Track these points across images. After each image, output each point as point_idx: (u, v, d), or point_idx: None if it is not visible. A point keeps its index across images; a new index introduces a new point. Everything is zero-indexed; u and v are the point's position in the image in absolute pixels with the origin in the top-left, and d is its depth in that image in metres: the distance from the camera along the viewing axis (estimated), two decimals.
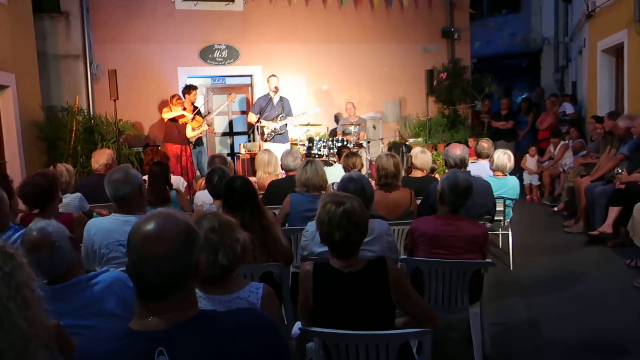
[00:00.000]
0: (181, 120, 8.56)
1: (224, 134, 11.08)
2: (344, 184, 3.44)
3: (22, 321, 1.26)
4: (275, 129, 8.44)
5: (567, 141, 9.00)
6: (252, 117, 8.61)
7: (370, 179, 3.88)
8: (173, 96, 8.68)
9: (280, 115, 8.47)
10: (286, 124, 8.57)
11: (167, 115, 8.57)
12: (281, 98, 8.64)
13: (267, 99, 8.55)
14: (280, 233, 3.41)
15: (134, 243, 1.48)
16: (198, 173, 8.89)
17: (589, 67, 10.00)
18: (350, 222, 2.42)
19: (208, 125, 8.89)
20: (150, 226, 1.48)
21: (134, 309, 1.52)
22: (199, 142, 8.92)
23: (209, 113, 9.25)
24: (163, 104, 9.35)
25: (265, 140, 8.51)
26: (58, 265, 2.23)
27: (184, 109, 8.62)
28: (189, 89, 8.77)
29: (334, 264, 2.48)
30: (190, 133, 8.60)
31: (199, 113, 8.89)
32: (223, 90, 10.96)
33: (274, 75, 8.64)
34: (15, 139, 7.39)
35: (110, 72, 8.09)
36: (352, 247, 2.45)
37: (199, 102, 9.46)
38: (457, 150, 4.82)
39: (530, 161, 9.25)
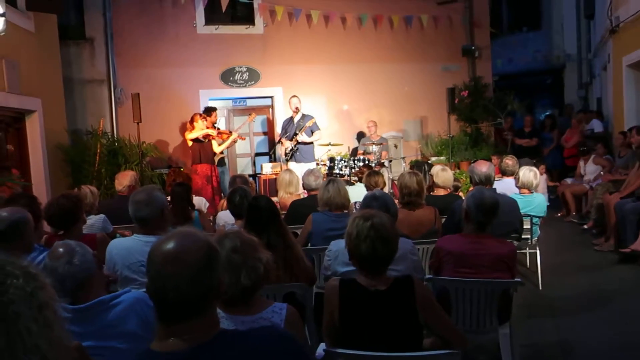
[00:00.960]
0: (206, 138, 8.54)
1: (244, 154, 11.13)
2: (367, 202, 3.40)
3: (43, 342, 1.24)
4: (291, 147, 8.45)
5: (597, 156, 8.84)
6: (280, 138, 8.65)
7: (393, 198, 3.83)
8: (195, 115, 8.71)
9: (296, 134, 8.48)
10: (311, 143, 8.55)
11: (190, 135, 8.56)
12: (303, 116, 8.69)
13: (289, 119, 8.61)
14: (302, 253, 3.38)
15: (154, 262, 1.46)
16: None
17: (614, 83, 9.85)
18: (378, 236, 2.39)
19: (235, 140, 8.85)
20: (170, 245, 1.47)
21: (155, 330, 1.50)
22: (221, 162, 8.95)
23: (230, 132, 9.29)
24: (185, 126, 9.46)
25: (287, 161, 8.52)
26: (78, 271, 2.23)
27: (207, 127, 8.65)
28: (209, 111, 8.83)
29: (360, 281, 2.45)
30: (217, 148, 8.63)
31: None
32: (244, 112, 11.06)
33: (294, 96, 8.70)
34: (41, 162, 7.52)
35: (133, 95, 8.23)
36: (379, 263, 2.42)
37: (221, 124, 9.54)
38: (483, 168, 4.75)
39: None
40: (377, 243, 2.38)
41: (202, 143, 8.51)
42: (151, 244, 1.65)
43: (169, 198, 4.65)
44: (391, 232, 2.43)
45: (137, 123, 8.13)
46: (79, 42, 9.29)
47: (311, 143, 8.67)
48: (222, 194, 8.79)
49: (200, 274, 1.44)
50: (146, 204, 3.17)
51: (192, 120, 8.67)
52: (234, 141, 8.88)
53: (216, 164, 8.75)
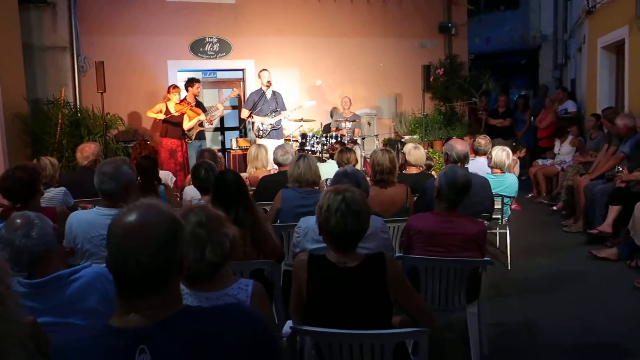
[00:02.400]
0: (177, 109, 8.41)
1: (215, 130, 11.03)
2: (339, 178, 3.40)
3: None
4: (272, 124, 8.38)
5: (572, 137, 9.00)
6: (245, 113, 8.54)
7: (365, 175, 3.84)
8: (171, 87, 8.56)
9: (275, 111, 8.40)
10: (280, 120, 8.49)
11: (151, 115, 8.47)
12: (274, 93, 8.59)
13: (260, 93, 8.49)
14: (271, 229, 3.38)
15: (114, 235, 1.43)
16: None
17: (588, 65, 10.00)
18: (349, 210, 2.39)
19: (208, 118, 8.71)
20: (131, 217, 1.43)
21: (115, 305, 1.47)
22: (200, 135, 8.80)
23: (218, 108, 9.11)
24: (152, 98, 9.26)
25: (260, 137, 8.45)
26: (36, 244, 2.18)
27: (181, 101, 8.51)
28: (191, 82, 8.70)
29: (330, 257, 2.45)
30: (186, 124, 8.51)
31: (200, 105, 8.79)
32: (214, 84, 10.90)
33: (265, 70, 8.59)
34: None
35: (97, 64, 8.01)
36: (349, 238, 2.42)
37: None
38: (459, 146, 4.79)
39: None
40: (347, 217, 2.38)
41: (172, 115, 8.42)
42: (111, 216, 1.62)
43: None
44: (363, 207, 2.43)
45: (101, 93, 7.93)
46: (40, 5, 8.95)
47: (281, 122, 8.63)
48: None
49: (162, 248, 1.42)
50: (112, 177, 3.12)
51: (168, 91, 8.54)
52: (199, 122, 8.69)
53: (194, 137, 8.60)
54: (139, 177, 4.46)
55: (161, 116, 8.41)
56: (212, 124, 8.67)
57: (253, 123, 8.49)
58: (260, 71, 8.60)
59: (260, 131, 8.42)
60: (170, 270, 1.44)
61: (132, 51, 9.58)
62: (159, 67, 9.77)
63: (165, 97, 8.61)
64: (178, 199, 5.23)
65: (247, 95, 9.10)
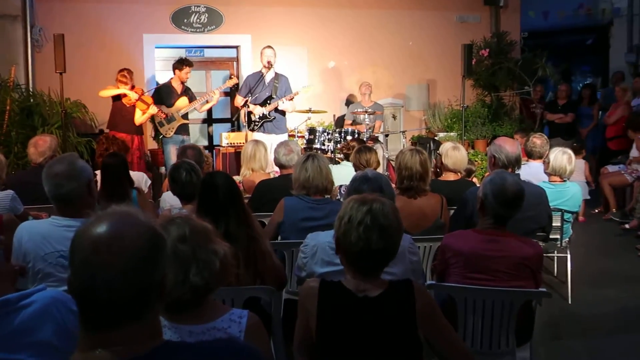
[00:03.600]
0: (126, 101, 8.49)
1: (202, 122, 11.05)
2: (356, 184, 3.40)
3: None
4: (263, 114, 8.40)
5: None
6: (239, 100, 8.58)
7: (389, 181, 3.84)
8: (120, 71, 8.61)
9: (270, 99, 8.42)
10: (282, 110, 8.49)
11: (105, 92, 8.55)
12: (277, 75, 8.62)
13: (258, 76, 8.51)
14: (270, 247, 3.39)
15: (80, 251, 1.44)
16: (163, 169, 8.91)
17: None
18: (375, 224, 2.40)
19: (161, 110, 8.72)
20: (101, 229, 1.44)
21: (76, 339, 1.47)
22: (183, 129, 8.83)
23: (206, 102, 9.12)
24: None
25: (252, 130, 8.49)
26: None
27: (132, 87, 8.57)
28: (182, 64, 8.77)
29: (347, 283, 2.45)
30: (138, 118, 8.57)
31: (187, 92, 8.86)
32: (201, 65, 10.93)
33: (269, 47, 8.59)
34: None
35: (56, 37, 8.06)
36: (373, 259, 2.43)
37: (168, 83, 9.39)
38: (509, 146, 4.77)
39: None
40: (372, 233, 2.38)
41: (123, 105, 8.52)
42: (75, 229, 1.62)
43: (98, 173, 4.59)
44: (393, 222, 2.44)
45: (60, 74, 7.98)
46: None
47: (284, 113, 8.65)
48: (166, 171, 8.72)
49: (139, 267, 1.42)
50: (68, 177, 3.12)
51: (118, 75, 8.59)
52: (152, 115, 8.64)
53: (173, 131, 8.62)
54: (105, 179, 4.48)
55: (118, 91, 8.46)
56: (163, 116, 8.67)
57: (249, 113, 8.52)
58: (263, 48, 8.60)
59: (252, 124, 8.47)
60: (148, 295, 1.44)
61: (100, 22, 9.67)
62: (133, 42, 9.84)
63: (117, 82, 8.64)
64: (153, 207, 5.26)
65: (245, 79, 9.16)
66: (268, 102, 8.47)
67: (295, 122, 9.38)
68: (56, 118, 8.41)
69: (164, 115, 8.63)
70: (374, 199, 2.49)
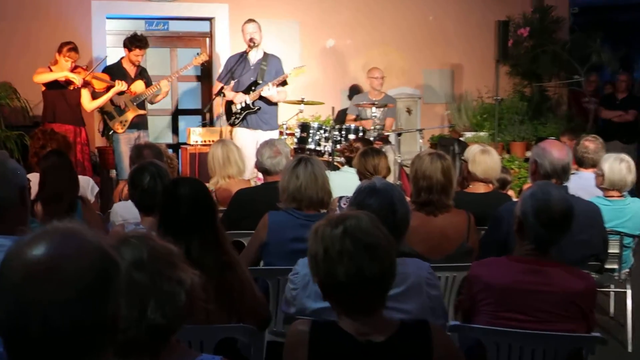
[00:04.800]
0: (69, 84, 8.43)
1: (159, 110, 10.98)
2: (361, 197, 3.38)
3: None
4: (246, 104, 8.40)
5: None
6: (217, 87, 8.61)
7: (403, 194, 3.84)
8: (64, 45, 8.57)
9: (255, 85, 8.42)
10: (268, 97, 8.46)
11: (41, 77, 8.47)
12: (265, 56, 8.65)
13: (241, 57, 8.53)
14: (250, 275, 3.39)
15: (10, 278, 1.43)
16: (114, 172, 8.89)
17: None
18: (359, 246, 2.38)
19: (129, 89, 8.65)
20: (38, 251, 1.44)
21: None
22: (140, 123, 8.80)
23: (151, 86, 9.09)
24: None
25: (233, 125, 8.49)
26: None
27: (75, 68, 8.53)
28: (132, 43, 8.72)
29: (345, 326, 2.43)
30: (89, 103, 8.52)
31: (143, 75, 8.87)
32: (165, 41, 10.94)
33: (250, 21, 8.60)
34: None
35: None
36: (372, 291, 2.41)
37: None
38: (556, 151, 4.74)
39: None
40: (360, 258, 2.37)
41: (63, 89, 8.49)
42: (2, 249, 1.62)
43: (31, 176, 4.58)
44: (380, 237, 2.43)
45: None
46: None
47: (275, 104, 8.66)
48: (117, 175, 8.70)
49: (85, 300, 1.42)
50: None
51: (59, 51, 8.55)
52: (119, 93, 8.61)
53: (127, 126, 8.61)
54: (45, 185, 4.48)
55: (57, 75, 8.42)
56: (132, 94, 8.62)
57: (229, 103, 8.52)
58: (245, 23, 8.62)
59: (233, 116, 8.47)
60: (94, 336, 1.44)
61: None
62: (79, 11, 9.83)
63: (52, 62, 8.62)
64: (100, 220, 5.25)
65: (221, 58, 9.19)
66: (253, 88, 8.47)
67: (284, 116, 9.35)
68: None
69: (133, 94, 8.61)
70: (344, 217, 2.48)
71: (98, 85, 8.54)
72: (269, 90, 8.40)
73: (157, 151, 5.57)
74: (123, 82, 8.51)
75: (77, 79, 8.45)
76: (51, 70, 8.52)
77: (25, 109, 9.18)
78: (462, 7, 11.15)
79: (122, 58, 8.87)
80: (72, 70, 8.55)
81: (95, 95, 8.64)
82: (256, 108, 8.46)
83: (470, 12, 11.12)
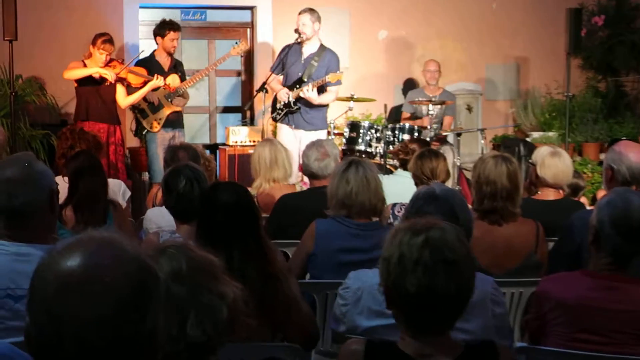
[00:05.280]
0: (104, 74, 8.42)
1: (196, 108, 11.02)
2: (419, 205, 3.37)
3: None
4: (288, 102, 8.41)
5: None
6: (270, 78, 8.62)
7: (464, 200, 3.82)
8: (98, 37, 8.62)
9: (300, 82, 8.43)
10: (309, 100, 8.47)
11: (72, 74, 8.55)
12: (320, 50, 8.65)
13: (294, 48, 8.61)
14: (296, 289, 3.39)
15: (42, 291, 1.45)
16: (147, 175, 8.99)
17: None
18: (439, 260, 2.36)
19: (166, 83, 8.71)
20: (73, 262, 1.45)
21: None
22: (176, 122, 8.88)
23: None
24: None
25: (275, 120, 8.54)
26: None
27: (110, 61, 8.57)
28: (164, 28, 8.84)
29: (404, 347, 2.42)
30: (124, 100, 8.59)
31: (177, 68, 8.95)
32: (201, 32, 10.99)
33: (304, 11, 8.62)
34: None
35: None
36: (442, 312, 2.40)
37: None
38: (634, 154, 4.69)
39: None
40: (436, 274, 2.34)
41: (97, 86, 8.54)
42: (30, 258, 1.64)
43: (59, 179, 4.63)
44: (462, 254, 2.40)
45: (10, 42, 8.10)
46: None
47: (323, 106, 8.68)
48: (150, 179, 8.78)
49: (123, 315, 1.43)
50: (23, 184, 3.14)
51: (93, 44, 8.59)
52: (155, 88, 8.68)
53: (161, 124, 8.67)
54: (75, 190, 4.53)
55: (90, 72, 8.47)
56: (172, 89, 8.66)
57: (275, 96, 8.58)
58: (301, 12, 8.64)
59: (276, 112, 8.57)
60: (132, 352, 1.46)
61: None
62: (110, 1, 9.93)
63: (86, 54, 8.70)
64: (132, 228, 5.29)
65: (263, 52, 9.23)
66: (297, 86, 8.51)
67: (331, 114, 9.31)
68: (2, 102, 8.52)
69: (172, 89, 8.68)
70: (429, 225, 2.46)
71: (134, 81, 8.63)
72: (308, 92, 8.38)
73: (193, 153, 5.59)
74: (160, 77, 8.60)
75: (110, 75, 8.50)
76: (85, 65, 8.59)
77: (52, 106, 9.30)
78: None
79: (154, 51, 8.97)
80: (107, 63, 8.60)
81: (130, 91, 8.73)
82: (296, 108, 8.48)
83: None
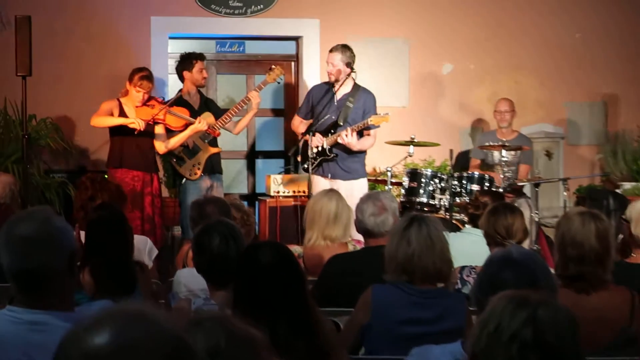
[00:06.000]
0: (142, 117, 8.43)
1: (232, 152, 11.06)
2: (493, 270, 3.35)
3: None
4: (322, 149, 8.43)
5: None
6: (296, 123, 8.68)
7: (546, 264, 3.79)
8: (135, 73, 8.65)
9: (336, 126, 8.46)
10: (347, 145, 8.51)
11: (99, 122, 8.58)
12: (354, 89, 8.71)
13: (325, 88, 8.65)
14: None
15: None
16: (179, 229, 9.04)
17: None
18: (539, 343, 2.32)
19: (213, 128, 8.79)
20: (101, 339, 1.46)
21: None
22: (215, 166, 8.98)
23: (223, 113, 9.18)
24: (119, 88, 9.49)
25: (306, 170, 8.61)
26: None
27: (148, 100, 8.59)
28: (189, 60, 8.96)
29: None
30: (163, 144, 8.64)
31: (209, 105, 9.02)
32: (239, 66, 11.08)
33: (340, 49, 8.66)
34: None
35: (19, 21, 8.32)
36: None
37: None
38: None
39: None
40: (532, 355, 2.33)
41: (133, 130, 8.48)
42: (46, 328, 1.65)
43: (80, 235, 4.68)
44: (568, 342, 2.37)
45: (23, 78, 8.22)
46: None
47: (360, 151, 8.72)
48: (183, 234, 8.80)
49: None
50: (40, 244, 3.15)
51: (130, 81, 8.60)
52: (197, 132, 8.72)
53: (201, 169, 8.69)
54: (94, 249, 4.56)
55: (115, 121, 8.52)
56: (217, 135, 8.70)
57: (305, 143, 8.56)
58: (332, 50, 8.68)
59: (308, 162, 8.55)
60: None
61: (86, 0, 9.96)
62: (136, 30, 10.10)
63: (122, 92, 8.79)
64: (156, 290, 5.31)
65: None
66: (332, 131, 8.56)
67: (388, 160, 9.33)
68: (14, 146, 8.64)
69: (216, 133, 8.72)
70: (540, 301, 2.42)
71: (174, 123, 8.68)
72: (347, 138, 8.42)
73: (223, 206, 5.55)
74: (202, 120, 8.60)
75: (138, 124, 8.44)
76: (120, 104, 8.64)
77: (70, 151, 9.38)
78: (617, 21, 10.99)
79: (181, 89, 9.03)
80: (145, 102, 8.63)
81: (169, 135, 8.78)
82: (332, 155, 8.51)
83: (628, 27, 10.98)
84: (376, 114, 8.60)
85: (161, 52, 10.21)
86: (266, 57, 11.10)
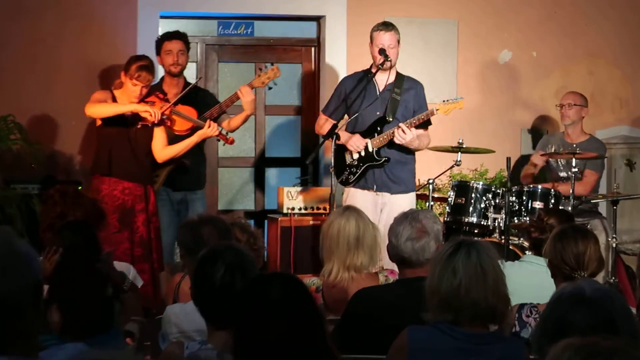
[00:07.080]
0: (143, 112, 8.35)
1: (237, 159, 11.18)
2: (561, 309, 3.34)
3: None
4: (367, 153, 8.39)
5: None
6: (321, 123, 8.75)
7: (625, 302, 3.77)
8: (133, 62, 8.62)
9: (383, 122, 8.44)
10: (404, 144, 8.45)
11: (97, 110, 8.58)
12: (399, 79, 8.73)
13: (363, 79, 8.65)
14: None
15: None
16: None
17: None
18: None
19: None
20: None
21: None
22: (183, 177, 8.93)
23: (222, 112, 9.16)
24: (104, 84, 9.53)
25: (345, 183, 8.55)
26: None
27: (147, 96, 8.57)
28: (162, 38, 9.05)
29: None
30: (163, 150, 8.63)
31: (197, 95, 9.05)
32: (246, 52, 11.12)
33: (386, 27, 8.68)
34: None
35: None
36: None
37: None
38: None
39: None
40: None
41: (127, 128, 8.53)
42: None
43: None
44: None
45: None
46: None
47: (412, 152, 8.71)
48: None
49: None
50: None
51: (126, 71, 8.59)
52: (206, 138, 8.68)
53: (158, 183, 8.74)
54: (58, 278, 4.56)
55: (123, 109, 8.50)
56: (231, 142, 8.71)
57: (339, 149, 8.51)
58: (375, 29, 8.70)
59: (346, 171, 8.53)
60: None
61: None
62: (122, 7, 10.17)
63: (116, 83, 8.73)
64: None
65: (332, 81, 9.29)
66: (378, 129, 8.54)
67: (429, 170, 9.39)
68: None
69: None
70: (615, 351, 2.41)
71: (179, 126, 8.68)
72: (404, 134, 8.35)
73: (221, 228, 5.50)
74: (213, 124, 8.56)
75: (152, 115, 8.38)
76: (114, 96, 8.65)
77: (36, 156, 9.39)
78: None
79: (161, 78, 9.15)
80: (144, 98, 8.57)
81: (171, 139, 8.76)
82: (382, 160, 8.49)
83: None
84: (427, 109, 8.60)
85: (150, 34, 10.00)
86: (279, 41, 11.16)
